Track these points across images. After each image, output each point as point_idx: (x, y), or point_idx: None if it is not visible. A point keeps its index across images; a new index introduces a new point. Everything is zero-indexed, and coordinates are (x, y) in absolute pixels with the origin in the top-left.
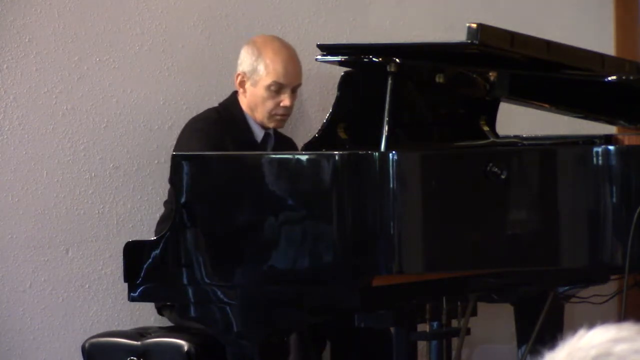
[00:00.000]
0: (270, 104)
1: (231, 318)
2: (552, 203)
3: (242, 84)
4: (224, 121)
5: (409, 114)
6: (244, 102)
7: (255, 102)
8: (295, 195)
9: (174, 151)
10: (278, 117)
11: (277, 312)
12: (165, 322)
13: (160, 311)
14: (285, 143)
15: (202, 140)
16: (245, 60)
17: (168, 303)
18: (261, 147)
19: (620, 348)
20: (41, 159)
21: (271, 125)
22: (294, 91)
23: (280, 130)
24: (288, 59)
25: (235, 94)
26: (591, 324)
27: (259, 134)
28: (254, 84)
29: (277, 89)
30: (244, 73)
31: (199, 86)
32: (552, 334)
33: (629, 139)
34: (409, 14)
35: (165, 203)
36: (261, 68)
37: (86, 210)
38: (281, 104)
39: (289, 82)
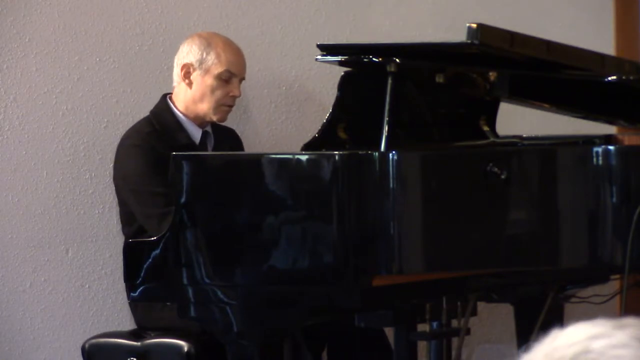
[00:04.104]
0: (219, 94)
1: (231, 318)
2: (552, 203)
3: (187, 75)
4: (157, 131)
5: (409, 114)
6: (179, 100)
7: (202, 93)
8: (295, 195)
9: (114, 169)
10: (225, 108)
11: (277, 312)
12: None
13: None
14: (226, 137)
15: (139, 156)
16: (192, 51)
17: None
18: (200, 149)
19: (598, 344)
20: (41, 159)
21: (215, 117)
22: (240, 83)
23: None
24: (237, 50)
25: (164, 97)
26: None
27: (197, 134)
28: (204, 73)
29: (227, 77)
30: (191, 64)
31: None
32: None
33: (629, 139)
34: (409, 14)
35: (123, 229)
36: (212, 57)
37: (86, 210)
38: (230, 94)
39: (239, 72)
